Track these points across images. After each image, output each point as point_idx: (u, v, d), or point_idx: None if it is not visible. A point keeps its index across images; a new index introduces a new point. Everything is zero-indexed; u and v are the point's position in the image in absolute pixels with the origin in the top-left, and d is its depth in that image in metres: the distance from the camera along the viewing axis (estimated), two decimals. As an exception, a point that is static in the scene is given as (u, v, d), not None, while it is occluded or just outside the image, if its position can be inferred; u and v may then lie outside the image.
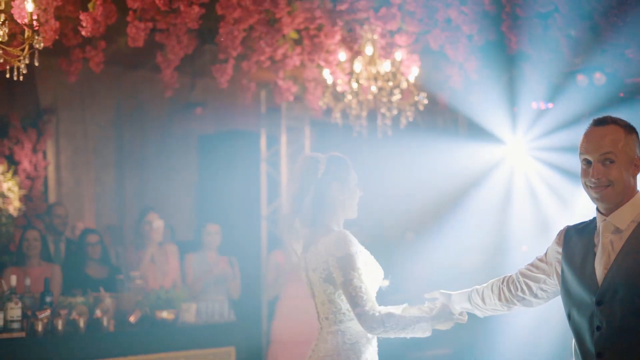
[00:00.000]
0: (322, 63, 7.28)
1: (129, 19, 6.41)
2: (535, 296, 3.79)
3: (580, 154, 3.43)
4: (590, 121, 3.48)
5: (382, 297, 3.97)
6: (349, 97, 7.31)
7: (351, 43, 6.87)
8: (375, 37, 7.22)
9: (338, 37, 7.03)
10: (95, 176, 10.71)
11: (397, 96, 7.21)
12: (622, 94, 8.79)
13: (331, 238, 3.72)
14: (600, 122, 3.42)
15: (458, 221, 9.74)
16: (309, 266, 3.82)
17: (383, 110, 7.30)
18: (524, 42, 6.88)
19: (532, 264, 3.78)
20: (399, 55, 7.30)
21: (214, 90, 10.12)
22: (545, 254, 3.74)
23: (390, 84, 7.37)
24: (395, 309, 3.88)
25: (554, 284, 3.67)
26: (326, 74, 7.43)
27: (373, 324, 3.64)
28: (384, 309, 3.72)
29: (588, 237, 3.49)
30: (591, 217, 3.57)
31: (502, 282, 3.87)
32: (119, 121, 10.75)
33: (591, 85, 8.86)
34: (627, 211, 3.37)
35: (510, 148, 9.94)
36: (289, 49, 7.44)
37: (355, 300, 3.63)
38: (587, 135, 3.42)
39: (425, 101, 7.35)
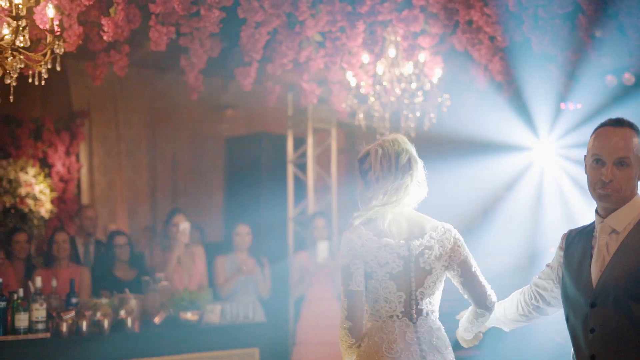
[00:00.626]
0: (345, 65, 7.27)
1: (151, 23, 6.46)
2: (549, 304, 3.80)
3: (592, 152, 3.42)
4: (603, 120, 3.49)
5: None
6: (372, 99, 7.29)
7: (372, 45, 6.86)
8: (398, 39, 7.21)
9: (360, 39, 7.02)
10: (128, 178, 10.83)
11: (420, 98, 7.18)
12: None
13: None
14: (616, 123, 3.42)
15: (489, 225, 9.69)
16: None
17: (406, 112, 7.28)
18: (547, 43, 6.80)
19: (542, 272, 3.81)
20: (422, 57, 7.28)
21: (244, 92, 10.22)
22: (552, 259, 3.77)
23: (414, 85, 7.35)
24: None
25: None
26: (349, 76, 7.43)
27: None
28: None
29: (586, 239, 3.52)
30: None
31: (520, 293, 3.92)
32: (151, 123, 10.86)
33: (620, 85, 8.76)
34: (625, 213, 3.39)
35: (539, 150, 9.85)
36: (312, 52, 7.45)
37: None
38: (602, 135, 3.41)
39: (449, 102, 7.31)
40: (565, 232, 3.74)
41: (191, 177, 10.63)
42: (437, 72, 7.30)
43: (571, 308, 3.48)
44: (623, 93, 8.71)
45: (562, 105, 9.21)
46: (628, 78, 8.76)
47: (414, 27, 6.91)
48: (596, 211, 3.51)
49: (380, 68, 7.19)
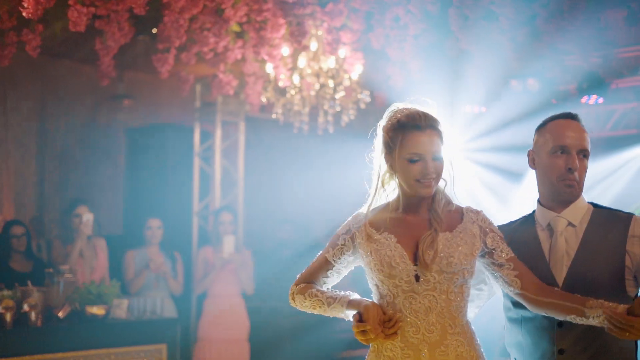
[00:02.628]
0: (265, 57, 7.16)
1: (70, 2, 6.17)
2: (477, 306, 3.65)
3: (552, 143, 3.34)
4: (551, 116, 3.45)
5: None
6: (292, 92, 7.21)
7: (299, 37, 6.76)
8: (320, 32, 7.16)
9: (283, 30, 6.93)
10: (15, 168, 10.32)
11: (340, 93, 7.14)
12: (554, 101, 8.94)
13: None
14: (571, 117, 3.41)
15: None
16: None
17: (326, 107, 7.23)
18: (470, 43, 6.91)
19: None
20: (342, 52, 7.25)
21: (143, 82, 9.93)
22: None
23: (331, 83, 7.31)
24: None
25: (487, 296, 3.60)
26: (269, 68, 7.32)
27: None
28: None
29: (529, 235, 3.46)
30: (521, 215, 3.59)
31: None
32: (42, 112, 10.38)
33: (525, 91, 8.99)
34: (578, 207, 3.37)
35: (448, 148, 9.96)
36: (230, 42, 7.30)
37: None
38: (562, 126, 3.36)
39: (368, 99, 7.31)
40: None
41: (83, 168, 10.22)
42: (357, 68, 7.28)
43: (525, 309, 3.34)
44: (528, 98, 8.95)
45: (468, 108, 9.38)
46: (532, 84, 9.01)
47: (336, 21, 6.87)
48: (542, 205, 3.46)
49: (302, 61, 7.12)
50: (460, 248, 3.15)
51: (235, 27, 7.19)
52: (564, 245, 3.36)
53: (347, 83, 7.30)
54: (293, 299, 3.46)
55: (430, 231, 3.18)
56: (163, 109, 9.93)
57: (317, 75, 7.23)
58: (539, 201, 3.50)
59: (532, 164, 3.49)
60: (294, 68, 7.39)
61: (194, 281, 8.51)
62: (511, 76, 8.75)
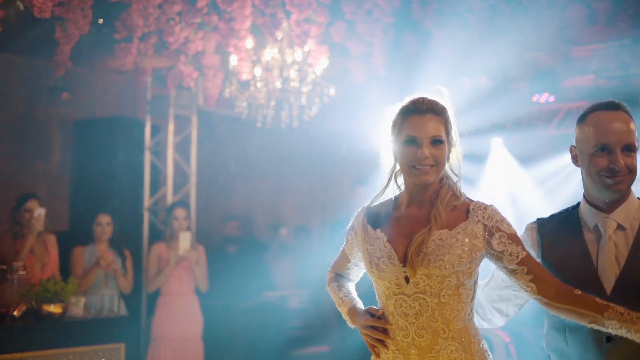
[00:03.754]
0: (231, 49, 7.02)
1: (36, -13, 5.93)
2: (507, 315, 3.40)
3: (591, 141, 3.07)
4: (591, 106, 3.19)
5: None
6: (259, 84, 7.09)
7: (272, 29, 6.66)
8: (285, 25, 7.07)
9: (248, 22, 6.81)
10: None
11: (307, 87, 7.07)
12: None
13: None
14: (613, 107, 3.13)
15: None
16: None
17: (292, 100, 7.15)
18: (437, 38, 6.95)
19: (495, 283, 3.33)
20: (306, 46, 7.18)
21: (83, 75, 9.63)
22: None
23: (294, 74, 7.23)
24: None
25: (527, 297, 3.20)
26: (233, 60, 7.18)
27: None
28: None
29: (574, 236, 3.18)
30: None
31: None
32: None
33: (475, 89, 9.06)
34: (629, 208, 3.11)
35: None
36: (192, 33, 7.15)
37: None
38: (602, 121, 3.08)
39: (332, 93, 7.25)
40: (530, 225, 3.34)
41: (17, 162, 9.86)
42: (322, 62, 7.21)
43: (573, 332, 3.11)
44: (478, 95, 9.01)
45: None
46: (483, 81, 9.09)
47: (306, 13, 6.80)
48: (589, 203, 3.16)
49: (269, 54, 7.01)
50: (453, 249, 2.91)
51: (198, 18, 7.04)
52: (613, 251, 3.08)
53: (311, 77, 7.22)
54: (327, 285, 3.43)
55: (424, 229, 2.98)
56: (109, 101, 9.65)
57: (281, 68, 7.13)
58: (584, 197, 3.20)
59: (576, 160, 3.22)
60: (256, 61, 7.27)
61: (146, 278, 8.30)
62: (464, 73, 8.81)
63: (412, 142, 2.99)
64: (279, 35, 6.94)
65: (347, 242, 3.28)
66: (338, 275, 3.42)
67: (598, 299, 2.86)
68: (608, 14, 7.10)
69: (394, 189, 3.17)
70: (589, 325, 2.87)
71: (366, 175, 9.78)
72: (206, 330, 8.33)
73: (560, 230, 3.22)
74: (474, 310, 3.16)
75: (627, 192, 3.12)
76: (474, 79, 9.02)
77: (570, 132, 9.19)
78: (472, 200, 3.06)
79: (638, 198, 3.18)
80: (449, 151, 3.06)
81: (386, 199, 3.20)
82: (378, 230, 3.08)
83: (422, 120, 2.99)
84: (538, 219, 3.32)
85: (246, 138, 10.27)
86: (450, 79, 8.42)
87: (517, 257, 2.94)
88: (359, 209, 3.25)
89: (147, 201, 8.99)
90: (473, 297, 3.04)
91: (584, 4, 7.23)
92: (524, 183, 8.87)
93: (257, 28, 7.09)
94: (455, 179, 3.11)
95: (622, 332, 2.79)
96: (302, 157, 10.88)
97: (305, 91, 7.12)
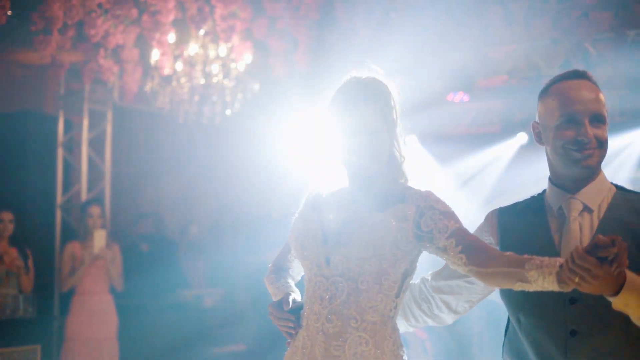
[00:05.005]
0: (154, 44, 6.88)
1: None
2: (455, 312, 3.12)
3: (555, 112, 2.81)
4: (553, 78, 2.90)
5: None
6: (183, 79, 6.98)
7: (200, 23, 6.56)
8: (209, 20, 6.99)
9: (172, 16, 6.70)
10: None
11: (232, 82, 7.00)
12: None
13: None
14: (578, 75, 2.84)
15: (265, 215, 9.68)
16: None
17: (215, 96, 7.07)
18: (359, 36, 6.99)
19: (447, 272, 3.05)
20: (229, 43, 7.11)
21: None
22: None
23: (215, 69, 7.16)
24: None
25: (482, 290, 3.02)
26: (156, 55, 7.05)
27: None
28: None
29: (536, 220, 2.90)
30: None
31: (408, 299, 3.14)
32: None
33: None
34: (597, 188, 2.83)
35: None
36: (111, 26, 6.98)
37: None
38: (566, 90, 2.80)
39: (257, 89, 7.20)
40: (490, 213, 3.06)
41: None
42: (246, 58, 7.16)
43: (529, 308, 2.84)
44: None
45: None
46: (398, 80, 9.18)
47: (231, 8, 6.73)
48: (554, 184, 2.90)
49: (193, 48, 6.91)
50: (376, 231, 2.70)
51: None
52: (577, 233, 2.79)
53: (235, 73, 7.15)
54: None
55: (352, 211, 2.80)
56: (19, 95, 9.32)
57: (204, 63, 7.04)
58: (550, 179, 2.92)
59: (538, 138, 2.92)
60: (179, 56, 7.16)
61: (59, 278, 8.08)
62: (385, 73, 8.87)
63: (346, 134, 2.80)
64: (205, 29, 6.84)
65: (291, 230, 2.96)
66: (278, 268, 3.16)
67: (526, 256, 2.49)
68: (525, 15, 7.25)
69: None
70: (516, 286, 2.50)
71: (286, 173, 9.79)
72: (121, 330, 8.16)
73: (522, 215, 2.96)
74: (412, 307, 3.09)
75: (597, 170, 2.83)
76: (391, 77, 9.11)
77: (483, 132, 9.41)
78: (411, 188, 2.83)
79: (614, 185, 2.91)
80: (390, 135, 2.84)
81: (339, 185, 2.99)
82: (315, 213, 2.89)
83: (355, 109, 2.78)
84: (500, 207, 3.06)
85: (161, 134, 10.11)
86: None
87: (447, 230, 2.66)
88: (307, 193, 3.01)
89: (59, 198, 8.73)
90: (399, 293, 2.79)
91: (501, 5, 7.37)
92: (442, 181, 9.00)
93: (180, 22, 6.97)
94: (398, 161, 2.86)
95: (540, 283, 2.43)
96: (215, 154, 10.76)
97: (229, 87, 7.04)
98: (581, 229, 2.79)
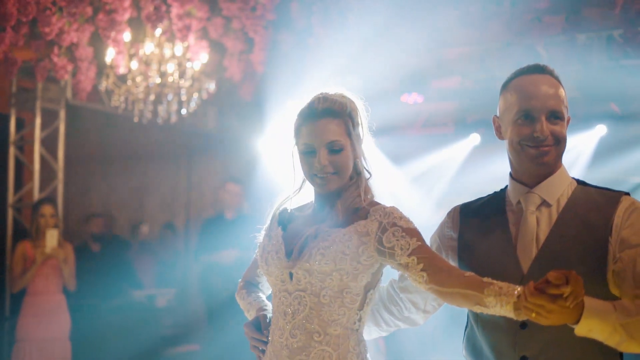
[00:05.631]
0: (110, 42, 6.83)
1: None
2: (425, 311, 3.11)
3: (513, 108, 2.80)
4: (514, 72, 2.89)
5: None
6: (139, 78, 6.94)
7: (156, 21, 6.51)
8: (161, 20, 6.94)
9: (127, 14, 6.65)
10: None
11: (187, 82, 6.97)
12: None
13: None
14: (537, 70, 2.82)
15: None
16: None
17: (171, 96, 7.03)
18: (315, 36, 7.01)
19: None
20: (184, 42, 7.08)
21: None
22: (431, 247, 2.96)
23: (172, 68, 7.13)
24: None
25: None
26: (111, 53, 6.99)
27: None
28: None
29: (496, 215, 2.91)
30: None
31: (376, 305, 3.14)
32: None
33: (347, 88, 9.18)
34: (556, 182, 2.82)
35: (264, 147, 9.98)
36: (66, 24, 6.90)
37: None
38: (524, 85, 2.79)
39: (212, 89, 7.18)
40: (453, 208, 3.09)
41: None
42: (202, 57, 7.13)
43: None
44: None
45: (289, 103, 9.44)
46: (351, 80, 9.22)
47: (187, 7, 6.71)
48: (514, 179, 2.91)
49: (149, 47, 6.86)
50: (337, 245, 2.72)
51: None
52: (533, 227, 2.78)
53: (190, 72, 7.13)
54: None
55: (315, 226, 2.82)
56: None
57: (160, 62, 7.00)
58: (510, 174, 2.94)
59: (498, 133, 2.93)
60: (134, 55, 7.11)
61: (10, 278, 7.97)
62: (336, 73, 8.90)
63: (309, 150, 2.80)
64: (162, 28, 6.80)
65: (258, 246, 3.02)
66: (248, 283, 3.20)
67: (485, 279, 2.49)
68: (480, 17, 7.34)
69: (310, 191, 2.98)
70: (475, 308, 2.51)
71: (239, 172, 9.78)
72: (74, 331, 8.09)
73: (482, 210, 2.97)
74: (381, 312, 3.10)
75: (555, 166, 2.83)
76: (344, 79, 9.13)
77: (437, 132, 9.49)
78: (377, 204, 2.84)
79: (573, 178, 2.92)
80: (356, 151, 2.85)
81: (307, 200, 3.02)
82: (280, 227, 2.91)
83: (317, 125, 2.78)
84: (462, 203, 3.08)
85: (114, 133, 10.04)
86: (328, 78, 8.52)
87: (408, 248, 2.66)
88: (274, 208, 3.02)
89: (11, 197, 8.63)
90: (362, 306, 2.81)
91: (457, 7, 7.44)
92: (396, 181, 9.06)
93: (135, 21, 6.93)
94: (365, 177, 2.87)
95: (497, 309, 2.43)
96: (167, 153, 10.73)
97: (185, 86, 7.02)
98: (539, 223, 2.79)
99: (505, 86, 2.87)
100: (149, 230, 10.84)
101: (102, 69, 7.41)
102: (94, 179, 10.40)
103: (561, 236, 2.73)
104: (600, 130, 8.97)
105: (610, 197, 2.77)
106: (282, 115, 9.32)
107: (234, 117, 9.28)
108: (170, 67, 7.09)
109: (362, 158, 2.88)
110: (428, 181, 9.03)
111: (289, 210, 3.01)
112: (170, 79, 7.04)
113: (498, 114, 2.92)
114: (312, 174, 2.82)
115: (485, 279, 2.50)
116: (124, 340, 8.55)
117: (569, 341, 2.59)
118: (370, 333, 3.11)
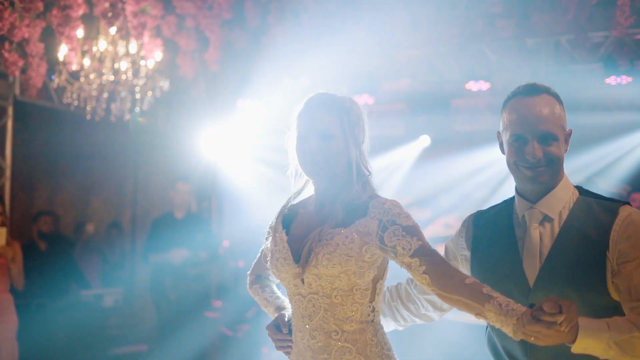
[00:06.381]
0: (63, 39, 6.74)
1: None
2: (441, 309, 3.20)
3: (510, 129, 2.88)
4: (513, 91, 2.95)
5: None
6: (92, 76, 6.86)
7: (112, 19, 6.46)
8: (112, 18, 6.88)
9: (81, 10, 6.59)
10: None
11: (142, 80, 6.93)
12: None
13: None
14: (532, 91, 2.87)
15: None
16: None
17: (124, 93, 6.98)
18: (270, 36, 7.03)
19: None
20: (136, 40, 7.04)
21: None
22: (445, 254, 3.18)
23: (124, 65, 7.07)
24: None
25: None
26: (64, 50, 6.90)
27: None
28: None
29: (506, 228, 3.00)
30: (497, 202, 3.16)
31: (394, 300, 3.24)
32: None
33: (298, 88, 9.20)
34: (558, 196, 2.90)
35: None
36: (18, 19, 6.80)
37: None
38: (518, 107, 2.86)
39: (166, 87, 7.15)
40: (468, 217, 3.17)
41: None
42: (156, 56, 7.10)
43: None
44: (301, 96, 9.15)
45: (239, 103, 9.42)
46: (304, 81, 9.23)
47: (142, 4, 6.67)
48: (518, 194, 3.00)
49: (103, 44, 6.80)
50: (341, 248, 2.77)
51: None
52: (537, 242, 2.89)
53: (144, 70, 7.08)
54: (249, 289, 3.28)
55: (318, 228, 2.85)
56: None
57: (113, 60, 6.95)
58: (515, 188, 3.03)
59: (501, 148, 3.01)
60: (86, 52, 7.04)
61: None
62: (288, 74, 8.92)
63: (302, 138, 2.87)
64: (117, 25, 6.75)
65: (265, 242, 3.11)
66: (259, 277, 3.28)
67: (486, 289, 2.58)
68: (433, 20, 7.44)
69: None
70: (477, 317, 2.60)
71: (188, 171, 9.73)
72: (21, 330, 7.97)
73: (493, 221, 3.06)
74: (399, 308, 3.20)
75: (555, 180, 2.90)
76: (296, 80, 9.16)
77: (387, 134, 9.59)
78: (376, 197, 2.86)
79: (578, 188, 2.98)
80: (351, 147, 2.88)
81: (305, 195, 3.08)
82: (284, 231, 2.96)
83: (311, 115, 2.86)
84: (477, 211, 3.17)
85: (63, 131, 9.91)
86: (278, 78, 8.55)
87: (410, 249, 2.71)
88: (280, 207, 3.07)
89: (-44, 194, 8.46)
90: (373, 298, 2.88)
91: (408, 11, 7.53)
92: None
93: (88, 17, 6.86)
94: (365, 174, 2.92)
95: (498, 325, 2.54)
96: (114, 152, 10.63)
97: (140, 84, 6.97)
98: (542, 238, 2.88)
99: (504, 105, 2.94)
100: (94, 229, 10.72)
101: (53, 66, 7.30)
102: (39, 177, 10.25)
103: (563, 251, 2.83)
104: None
105: (608, 209, 2.84)
106: (233, 114, 9.33)
107: (184, 116, 9.22)
108: (124, 65, 7.03)
109: (360, 156, 2.92)
110: (378, 183, 9.07)
111: (293, 205, 3.06)
112: (123, 77, 6.97)
113: (500, 131, 2.99)
114: (304, 161, 2.88)
115: (486, 290, 2.59)
116: (71, 340, 8.46)
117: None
118: (388, 327, 3.18)
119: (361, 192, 2.88)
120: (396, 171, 9.34)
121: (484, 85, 8.54)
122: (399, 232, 2.74)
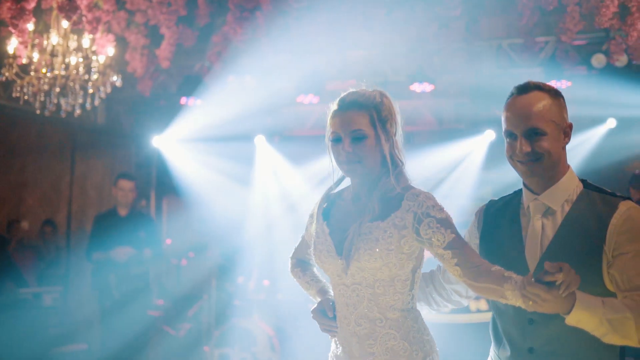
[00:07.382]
0: (14, 32, 6.58)
1: None
2: (467, 297, 3.42)
3: (503, 127, 3.08)
4: (511, 90, 3.09)
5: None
6: (44, 70, 6.72)
7: (70, 12, 6.33)
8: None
9: (34, 3, 6.44)
10: None
11: (94, 76, 6.81)
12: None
13: None
14: (522, 90, 3.02)
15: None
16: None
17: (76, 88, 6.85)
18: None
19: None
20: (87, 35, 6.92)
21: None
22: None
23: (75, 59, 6.95)
24: None
25: None
26: (13, 44, 6.73)
27: None
28: None
29: (512, 217, 3.16)
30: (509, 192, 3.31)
31: (427, 286, 3.40)
32: None
33: (242, 87, 9.20)
34: (561, 189, 3.04)
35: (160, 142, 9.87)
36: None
37: None
38: (510, 106, 3.02)
39: (118, 83, 7.05)
40: (480, 207, 3.36)
41: None
42: (108, 51, 6.99)
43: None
44: (246, 94, 9.16)
45: (182, 100, 9.36)
46: (248, 80, 9.24)
47: (91, -1, 6.57)
48: (524, 185, 3.15)
49: (54, 39, 6.66)
50: (381, 242, 2.92)
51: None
52: (539, 233, 3.04)
53: (95, 65, 6.96)
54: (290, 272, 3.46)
55: (357, 222, 2.99)
56: None
57: (65, 55, 6.81)
58: (523, 181, 3.17)
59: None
60: (35, 45, 6.88)
61: None
62: (232, 71, 8.89)
63: (336, 139, 3.03)
64: (75, 19, 6.62)
65: (306, 229, 3.32)
66: (300, 261, 3.46)
67: (507, 273, 2.72)
68: (386, 22, 7.50)
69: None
70: (501, 300, 2.75)
71: (128, 168, 9.62)
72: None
73: (502, 210, 3.22)
74: (433, 294, 3.36)
75: (559, 172, 3.05)
76: (243, 78, 9.14)
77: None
78: (410, 188, 3.01)
79: (583, 181, 3.11)
80: (384, 142, 3.00)
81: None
82: (325, 223, 3.13)
83: (343, 116, 3.01)
84: (490, 200, 3.34)
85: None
86: (227, 75, 8.52)
87: (444, 241, 2.87)
88: (320, 197, 3.24)
89: None
90: (412, 286, 3.04)
91: (363, 12, 7.58)
92: (298, 181, 9.13)
93: (38, 11, 6.72)
94: (398, 166, 3.05)
95: (514, 301, 2.69)
96: (49, 147, 10.41)
97: (92, 79, 6.85)
98: (544, 229, 3.03)
99: (504, 104, 3.09)
100: (28, 226, 10.49)
101: (1, 60, 7.12)
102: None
103: (562, 243, 2.97)
104: (489, 135, 9.38)
105: (609, 203, 2.97)
106: (179, 112, 9.26)
107: (127, 113, 9.11)
108: (74, 60, 6.89)
109: (394, 148, 3.06)
110: (329, 182, 9.13)
111: (333, 196, 3.23)
112: (73, 72, 6.84)
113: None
114: (339, 160, 3.04)
115: (507, 273, 2.73)
116: (9, 340, 8.27)
117: (571, 336, 2.88)
118: (422, 311, 3.28)
119: (395, 184, 3.02)
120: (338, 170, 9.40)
121: (427, 87, 8.69)
122: (434, 225, 2.89)
